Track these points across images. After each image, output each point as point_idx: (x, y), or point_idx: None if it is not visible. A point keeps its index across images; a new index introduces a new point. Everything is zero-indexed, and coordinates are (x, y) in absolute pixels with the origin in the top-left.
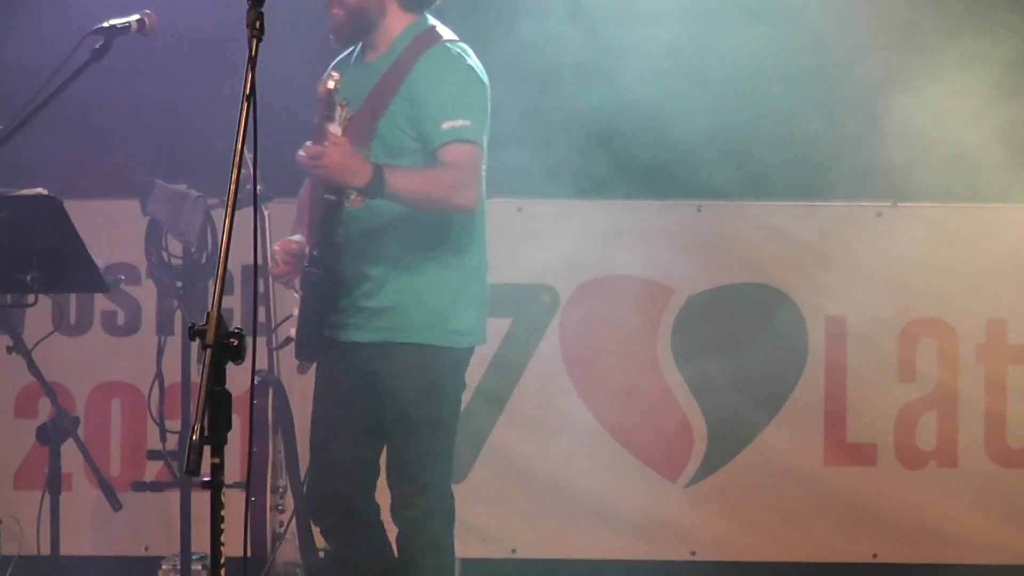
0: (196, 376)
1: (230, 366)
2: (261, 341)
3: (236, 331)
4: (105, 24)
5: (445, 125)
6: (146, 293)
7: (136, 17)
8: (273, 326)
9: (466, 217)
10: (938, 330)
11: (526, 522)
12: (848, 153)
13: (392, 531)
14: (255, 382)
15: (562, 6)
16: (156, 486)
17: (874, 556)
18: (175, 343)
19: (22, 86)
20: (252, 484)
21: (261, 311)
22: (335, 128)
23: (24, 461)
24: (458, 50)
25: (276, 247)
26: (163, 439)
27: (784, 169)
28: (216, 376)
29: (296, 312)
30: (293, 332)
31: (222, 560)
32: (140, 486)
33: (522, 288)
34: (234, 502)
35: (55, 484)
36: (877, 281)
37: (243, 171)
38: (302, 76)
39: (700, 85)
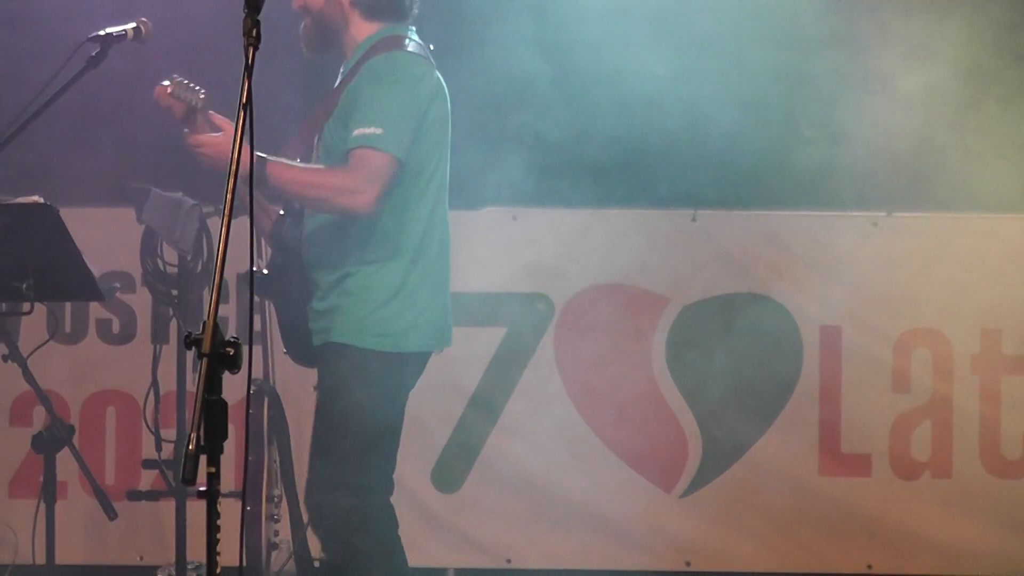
0: (192, 385)
1: (226, 375)
2: (257, 350)
3: (232, 340)
4: (101, 32)
5: (357, 131)
6: (141, 301)
7: (132, 25)
8: (269, 335)
9: (392, 221)
10: (933, 340)
11: (521, 531)
12: (843, 163)
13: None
14: (251, 391)
15: (561, 11)
16: (151, 495)
17: (868, 567)
18: (170, 351)
19: (18, 94)
20: (248, 493)
21: (257, 320)
22: (219, 116)
23: (19, 469)
24: (402, 60)
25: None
26: (158, 448)
27: (779, 179)
28: (212, 385)
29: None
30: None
31: (217, 569)
32: (135, 495)
33: (517, 296)
34: (229, 511)
35: (50, 492)
36: (872, 291)
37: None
38: (296, 82)
39: (695, 94)
